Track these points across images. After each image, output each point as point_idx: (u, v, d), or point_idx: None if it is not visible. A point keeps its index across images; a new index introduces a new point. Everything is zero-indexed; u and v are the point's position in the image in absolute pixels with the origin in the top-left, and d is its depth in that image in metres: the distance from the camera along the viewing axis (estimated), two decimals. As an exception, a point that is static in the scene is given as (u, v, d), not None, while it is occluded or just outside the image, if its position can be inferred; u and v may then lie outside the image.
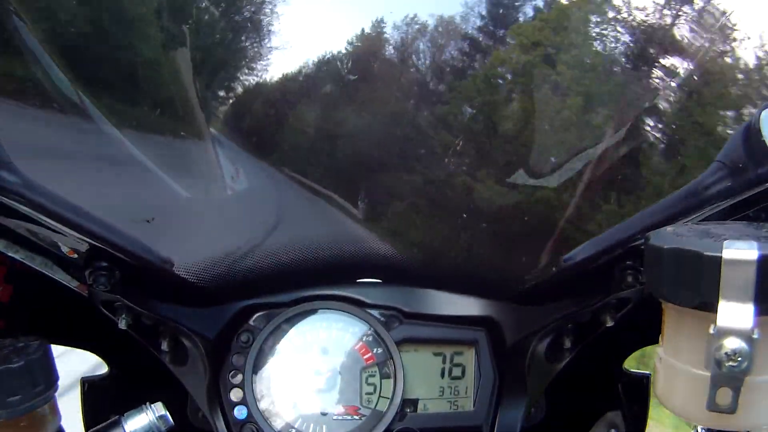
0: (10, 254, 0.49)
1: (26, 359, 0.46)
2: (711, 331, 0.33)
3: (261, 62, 0.71)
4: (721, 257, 0.31)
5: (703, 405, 0.34)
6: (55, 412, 0.50)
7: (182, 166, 0.78)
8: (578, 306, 0.63)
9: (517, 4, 0.75)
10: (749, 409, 0.33)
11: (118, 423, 0.56)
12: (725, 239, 0.32)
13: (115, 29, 0.66)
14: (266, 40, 0.68)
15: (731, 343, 0.32)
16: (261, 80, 0.73)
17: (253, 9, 0.69)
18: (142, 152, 0.71)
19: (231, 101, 0.77)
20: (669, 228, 0.37)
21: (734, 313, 0.32)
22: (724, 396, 0.33)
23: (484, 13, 0.71)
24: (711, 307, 0.32)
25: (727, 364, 0.33)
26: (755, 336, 0.32)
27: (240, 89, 0.75)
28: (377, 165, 0.79)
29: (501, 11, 0.75)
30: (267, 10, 0.68)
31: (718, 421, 0.34)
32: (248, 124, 0.79)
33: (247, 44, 0.72)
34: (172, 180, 0.75)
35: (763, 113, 0.43)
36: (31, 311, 0.58)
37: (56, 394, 0.50)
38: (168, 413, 0.57)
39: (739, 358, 0.32)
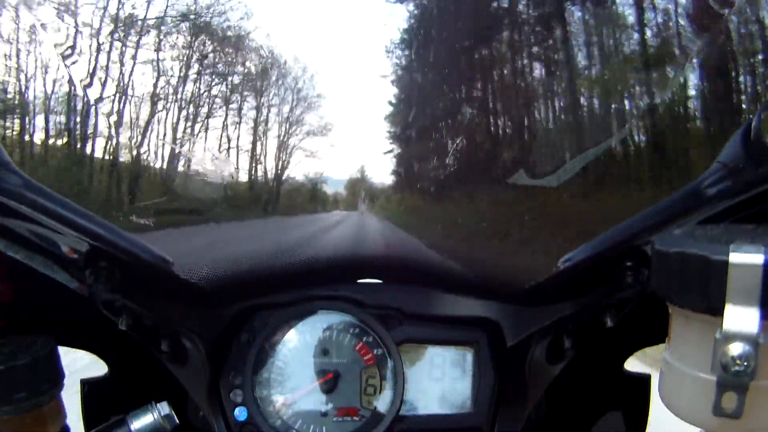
0: (10, 254, 0.49)
1: (32, 356, 0.46)
2: (717, 335, 0.33)
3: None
4: (728, 261, 0.31)
5: (708, 409, 0.34)
6: (60, 409, 0.51)
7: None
8: (578, 306, 0.63)
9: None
10: (755, 413, 0.33)
11: (123, 422, 0.55)
12: (732, 243, 0.32)
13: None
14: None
15: (737, 348, 0.32)
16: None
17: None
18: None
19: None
20: (676, 231, 0.37)
21: (741, 318, 0.32)
22: (730, 400, 0.33)
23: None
24: (718, 311, 0.32)
25: (732, 369, 0.32)
26: (761, 341, 0.32)
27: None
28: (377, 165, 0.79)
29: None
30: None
31: (723, 426, 0.34)
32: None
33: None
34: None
35: (764, 115, 0.43)
36: (32, 312, 0.58)
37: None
38: (173, 413, 0.56)
39: (745, 363, 0.32)
